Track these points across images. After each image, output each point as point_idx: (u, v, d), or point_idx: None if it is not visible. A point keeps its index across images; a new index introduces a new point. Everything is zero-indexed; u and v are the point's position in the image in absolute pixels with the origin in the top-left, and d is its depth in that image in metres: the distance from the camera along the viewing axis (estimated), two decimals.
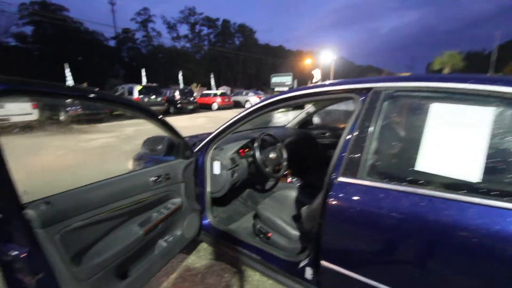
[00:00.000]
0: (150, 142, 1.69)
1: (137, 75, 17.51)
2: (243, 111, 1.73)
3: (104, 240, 1.13)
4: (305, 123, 3.13)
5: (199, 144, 1.89)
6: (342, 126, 3.13)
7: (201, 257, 2.18)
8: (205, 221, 1.97)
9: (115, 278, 1.19)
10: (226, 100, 17.35)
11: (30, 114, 8.99)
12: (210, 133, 1.92)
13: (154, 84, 13.67)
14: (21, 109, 8.76)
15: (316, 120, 3.27)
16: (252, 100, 18.19)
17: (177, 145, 1.63)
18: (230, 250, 1.93)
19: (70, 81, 12.21)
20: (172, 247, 1.58)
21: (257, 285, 1.90)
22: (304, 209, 1.57)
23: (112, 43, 41.66)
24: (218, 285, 1.91)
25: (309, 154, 2.98)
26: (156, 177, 1.41)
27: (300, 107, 3.27)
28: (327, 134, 3.02)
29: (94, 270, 1.07)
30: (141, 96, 11.89)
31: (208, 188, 1.93)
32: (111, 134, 8.06)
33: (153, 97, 12.26)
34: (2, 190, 0.80)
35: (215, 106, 17.07)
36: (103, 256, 1.10)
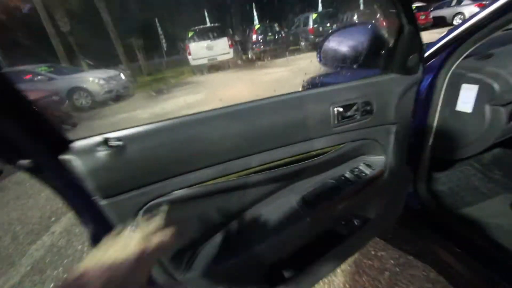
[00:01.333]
0: (341, 36, 0.86)
1: (314, 4, 16.49)
2: None
3: (234, 226, 0.57)
4: None
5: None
6: None
7: (391, 247, 1.37)
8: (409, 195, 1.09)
9: None
10: (422, 17, 12.75)
11: (228, 53, 10.79)
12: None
13: (330, 10, 12.32)
14: (222, 49, 10.62)
15: None
16: (468, 11, 12.20)
17: (394, 44, 0.72)
18: (452, 259, 1.00)
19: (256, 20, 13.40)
20: (358, 238, 0.86)
21: None
22: None
23: None
24: None
25: None
26: (343, 108, 0.64)
27: None
28: None
29: (217, 278, 0.54)
30: (316, 25, 11.14)
31: (430, 142, 0.97)
32: (285, 68, 8.17)
33: (328, 25, 11.09)
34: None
35: None
36: (233, 256, 0.54)
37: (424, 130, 0.96)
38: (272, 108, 0.56)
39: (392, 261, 1.29)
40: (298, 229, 0.62)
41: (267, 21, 14.17)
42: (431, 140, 0.98)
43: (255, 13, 14.05)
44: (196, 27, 10.96)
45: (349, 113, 0.65)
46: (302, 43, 12.38)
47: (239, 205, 0.58)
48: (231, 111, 0.52)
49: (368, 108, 0.67)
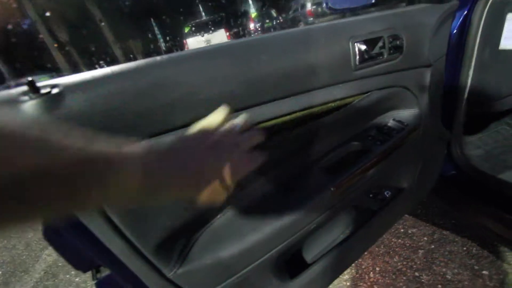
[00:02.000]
0: None
1: None
2: None
3: (238, 203, 0.44)
4: None
5: None
6: None
7: (422, 222, 1.23)
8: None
9: (273, 280, 0.53)
10: None
11: None
12: None
13: None
14: (220, 41, 10.36)
15: None
16: None
17: None
18: (501, 227, 0.87)
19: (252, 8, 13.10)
20: (390, 214, 0.73)
21: None
22: None
23: None
24: None
25: None
26: (365, 43, 0.49)
27: None
28: None
29: (220, 271, 0.42)
30: (314, 6, 10.83)
31: (467, 91, 0.83)
32: None
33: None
34: None
35: None
36: (240, 242, 0.42)
37: (458, 79, 0.80)
38: (276, 45, 0.42)
39: (425, 238, 1.15)
40: (318, 204, 0.49)
41: (263, 8, 13.83)
42: (467, 91, 0.82)
43: (250, 1, 13.73)
44: (192, 22, 10.76)
45: (373, 51, 0.51)
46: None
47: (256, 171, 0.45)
48: (219, 48, 0.39)
49: (398, 43, 0.52)
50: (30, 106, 0.27)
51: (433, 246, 1.12)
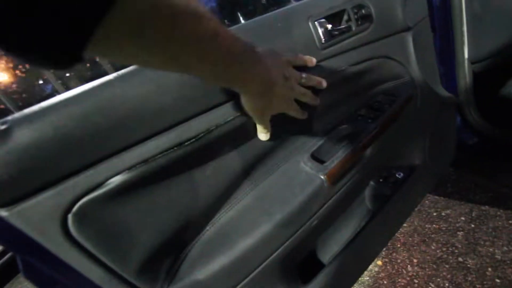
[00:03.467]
0: None
1: None
2: None
3: (229, 207, 0.42)
4: None
5: None
6: None
7: (456, 201, 1.11)
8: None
9: (281, 287, 0.48)
10: None
11: None
12: None
13: None
14: None
15: None
16: None
17: None
18: None
19: None
20: (407, 196, 0.67)
21: None
22: None
23: None
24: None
25: None
26: (327, 20, 0.47)
27: None
28: None
29: (219, 285, 0.39)
30: None
31: (466, 49, 0.77)
32: None
33: None
34: None
35: None
36: (232, 251, 0.39)
37: (453, 38, 0.74)
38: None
39: (463, 218, 1.04)
40: (311, 197, 0.45)
41: None
42: (466, 49, 0.76)
43: None
44: None
45: (339, 26, 0.48)
46: None
47: (225, 176, 0.42)
48: None
49: (364, 12, 0.49)
50: None
51: (473, 226, 1.00)
